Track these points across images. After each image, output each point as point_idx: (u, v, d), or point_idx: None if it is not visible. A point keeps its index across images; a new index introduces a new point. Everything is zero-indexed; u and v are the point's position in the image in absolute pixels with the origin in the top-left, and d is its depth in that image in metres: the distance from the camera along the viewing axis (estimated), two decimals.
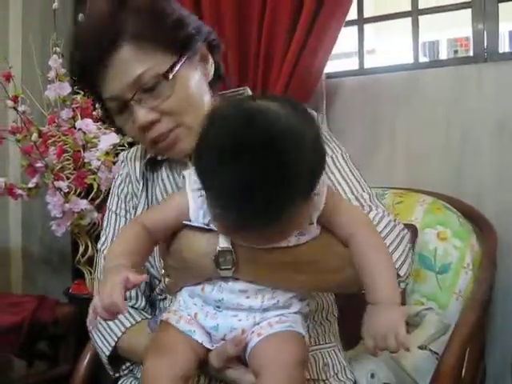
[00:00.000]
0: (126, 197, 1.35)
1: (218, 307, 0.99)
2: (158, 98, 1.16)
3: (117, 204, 1.36)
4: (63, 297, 2.33)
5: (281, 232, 0.93)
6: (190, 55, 1.19)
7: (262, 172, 0.82)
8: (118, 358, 1.28)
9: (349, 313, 1.21)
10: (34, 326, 2.03)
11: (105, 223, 1.37)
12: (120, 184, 1.37)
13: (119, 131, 1.36)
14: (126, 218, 1.33)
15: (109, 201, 1.39)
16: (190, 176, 1.00)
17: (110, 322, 1.24)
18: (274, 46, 2.15)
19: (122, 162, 1.40)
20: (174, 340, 0.99)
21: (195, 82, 1.20)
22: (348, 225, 1.01)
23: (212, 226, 0.98)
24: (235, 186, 0.83)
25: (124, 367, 1.30)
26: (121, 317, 1.23)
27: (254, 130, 0.84)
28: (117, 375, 1.30)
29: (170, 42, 1.16)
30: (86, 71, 1.16)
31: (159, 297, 1.28)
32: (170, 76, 1.15)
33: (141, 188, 1.33)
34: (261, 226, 0.88)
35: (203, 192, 0.94)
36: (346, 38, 2.25)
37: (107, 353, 1.26)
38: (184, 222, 1.00)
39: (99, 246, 1.37)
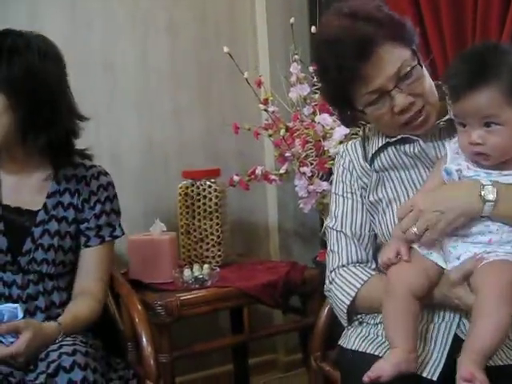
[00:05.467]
0: (350, 181, 1.54)
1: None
2: (412, 83, 1.38)
3: (342, 189, 1.55)
4: (311, 263, 2.58)
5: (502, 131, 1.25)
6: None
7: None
8: (351, 312, 1.49)
9: None
10: (287, 284, 2.32)
11: (333, 206, 1.57)
12: (343, 172, 1.56)
13: (353, 124, 1.62)
14: (352, 199, 1.54)
15: (334, 187, 1.58)
16: (450, 144, 1.35)
17: (349, 277, 1.48)
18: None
19: (343, 152, 1.58)
20: (414, 259, 1.29)
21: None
22: None
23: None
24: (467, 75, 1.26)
25: (355, 318, 1.51)
26: (357, 272, 1.48)
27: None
28: (349, 327, 1.51)
29: (410, 40, 1.43)
30: (348, 74, 1.37)
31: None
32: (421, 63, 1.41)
33: (368, 167, 1.52)
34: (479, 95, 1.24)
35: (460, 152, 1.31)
36: None
37: (347, 302, 1.45)
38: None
39: (330, 224, 1.56)
